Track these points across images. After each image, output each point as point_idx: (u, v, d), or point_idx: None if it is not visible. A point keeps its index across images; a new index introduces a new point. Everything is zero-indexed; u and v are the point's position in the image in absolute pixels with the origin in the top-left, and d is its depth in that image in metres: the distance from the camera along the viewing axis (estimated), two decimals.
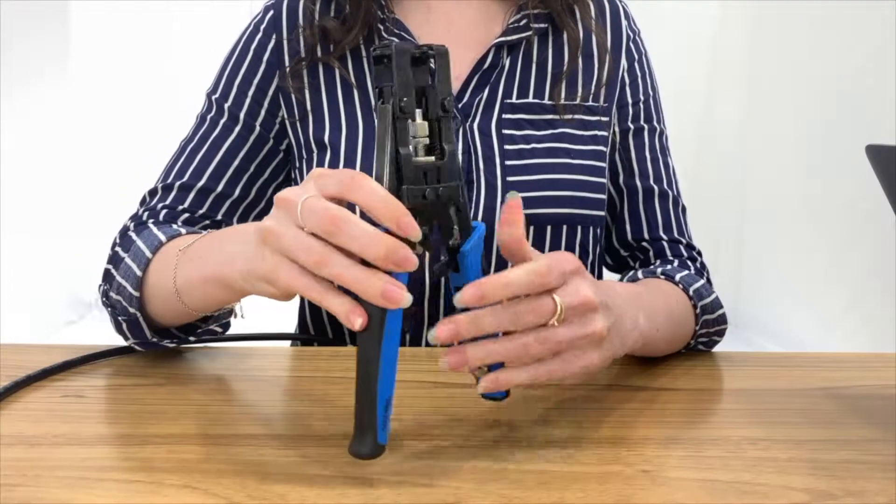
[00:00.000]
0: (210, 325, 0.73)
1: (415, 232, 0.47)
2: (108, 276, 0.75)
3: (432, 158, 0.51)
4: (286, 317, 0.98)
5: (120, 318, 0.71)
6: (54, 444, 0.54)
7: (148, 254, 0.70)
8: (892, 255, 2.19)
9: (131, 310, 0.70)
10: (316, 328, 0.90)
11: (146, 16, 3.11)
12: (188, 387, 0.67)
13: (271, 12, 0.87)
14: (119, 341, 0.73)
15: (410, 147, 0.49)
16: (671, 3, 3.05)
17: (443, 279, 0.81)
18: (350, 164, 0.81)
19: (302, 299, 0.90)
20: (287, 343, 0.96)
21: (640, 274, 0.81)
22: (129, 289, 0.70)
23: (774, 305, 2.91)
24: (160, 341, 0.72)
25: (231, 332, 0.77)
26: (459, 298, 0.49)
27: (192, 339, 0.74)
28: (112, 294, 0.73)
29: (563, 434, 0.57)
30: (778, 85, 2.84)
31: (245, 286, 0.56)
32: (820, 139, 2.57)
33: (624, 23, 0.91)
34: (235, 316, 0.73)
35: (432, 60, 0.51)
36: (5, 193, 2.68)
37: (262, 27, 0.87)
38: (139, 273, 0.70)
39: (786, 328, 2.79)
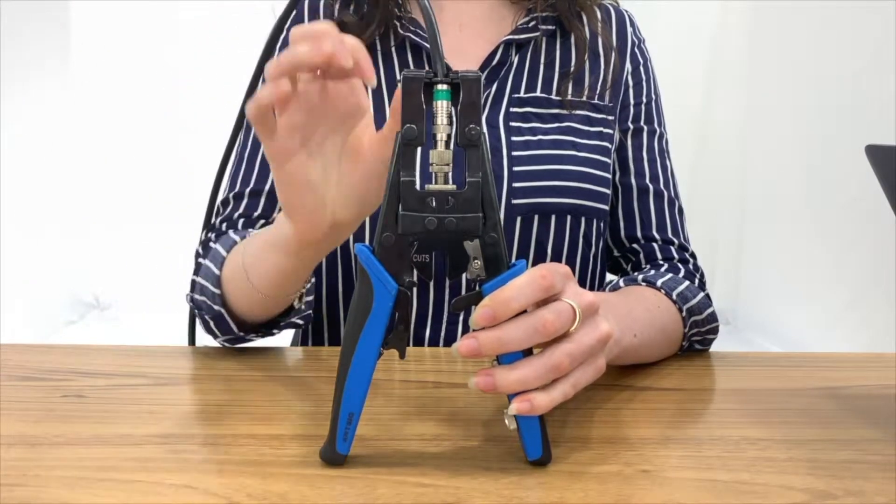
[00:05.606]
0: (291, 318, 0.74)
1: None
2: (192, 284, 0.78)
3: (450, 187, 0.49)
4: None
5: (206, 316, 0.75)
6: (54, 444, 0.54)
7: (223, 252, 0.74)
8: (892, 255, 2.18)
9: (215, 307, 0.73)
10: (315, 339, 0.90)
11: (147, 16, 3.11)
12: (188, 387, 0.67)
13: (294, 12, 0.88)
14: (118, 341, 0.73)
15: (417, 174, 0.48)
16: (671, 3, 3.05)
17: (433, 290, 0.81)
18: None
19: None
20: (288, 342, 0.96)
21: (621, 283, 0.81)
22: (210, 287, 0.73)
23: (774, 305, 2.91)
24: (245, 335, 0.76)
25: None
26: (473, 321, 0.48)
27: (275, 332, 0.77)
28: (196, 296, 0.76)
29: (563, 434, 0.57)
30: (778, 85, 2.84)
31: (287, 229, 0.60)
32: (820, 139, 2.57)
33: (629, 29, 0.94)
34: (300, 302, 0.73)
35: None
36: (5, 193, 2.68)
37: (286, 26, 0.87)
38: (217, 272, 0.73)
39: (786, 328, 2.79)
